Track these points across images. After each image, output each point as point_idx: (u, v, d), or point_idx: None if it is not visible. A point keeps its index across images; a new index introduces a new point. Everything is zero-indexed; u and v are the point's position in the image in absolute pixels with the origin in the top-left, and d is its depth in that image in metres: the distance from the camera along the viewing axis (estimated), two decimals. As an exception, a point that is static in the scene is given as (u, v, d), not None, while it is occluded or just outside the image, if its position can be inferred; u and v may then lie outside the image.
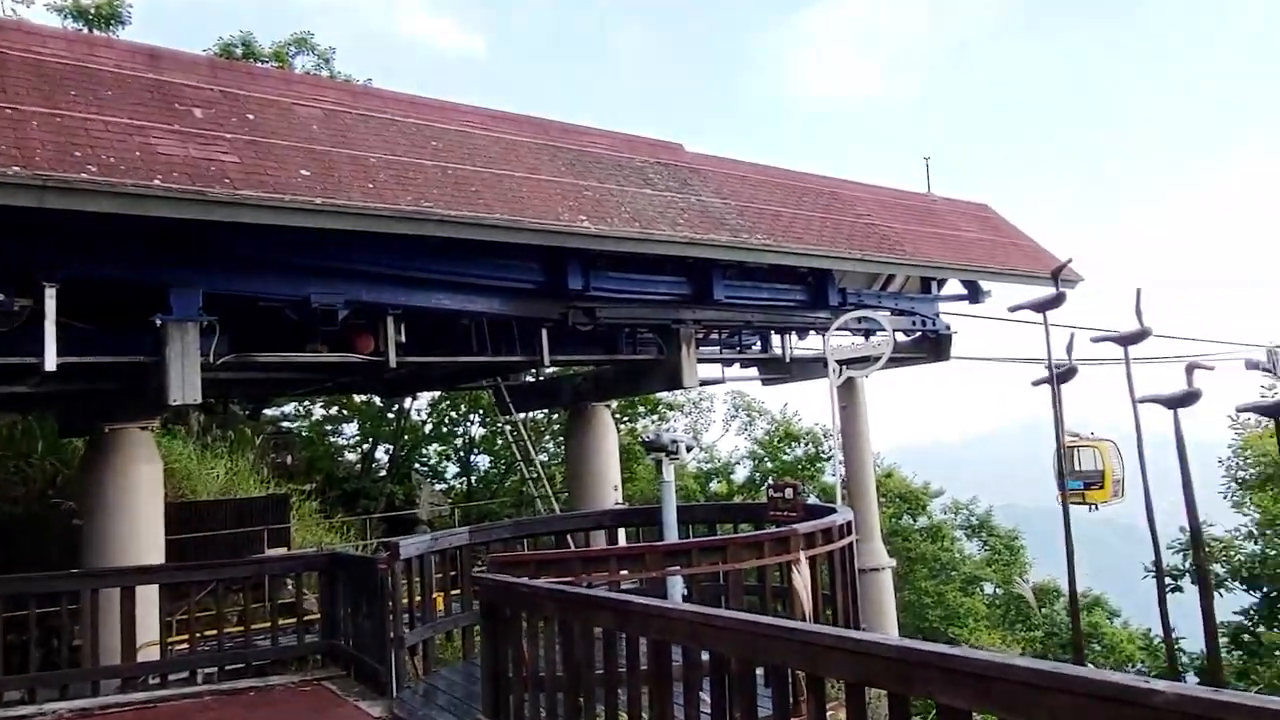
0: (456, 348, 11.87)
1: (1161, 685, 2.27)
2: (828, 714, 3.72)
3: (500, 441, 21.41)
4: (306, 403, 22.96)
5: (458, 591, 9.18)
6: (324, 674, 8.60)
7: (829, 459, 21.74)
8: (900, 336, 16.81)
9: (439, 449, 25.52)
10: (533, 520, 14.08)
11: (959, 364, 17.87)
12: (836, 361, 11.64)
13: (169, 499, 12.50)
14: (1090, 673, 2.52)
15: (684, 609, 4.55)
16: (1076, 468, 21.99)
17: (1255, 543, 12.34)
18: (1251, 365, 30.43)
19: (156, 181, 7.35)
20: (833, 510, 7.73)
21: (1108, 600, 25.81)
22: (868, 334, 15.92)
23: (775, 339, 15.99)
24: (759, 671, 3.85)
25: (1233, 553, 12.27)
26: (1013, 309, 7.95)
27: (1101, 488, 17.85)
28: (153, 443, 11.12)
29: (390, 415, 23.60)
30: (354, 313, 10.12)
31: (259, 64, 19.62)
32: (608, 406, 15.70)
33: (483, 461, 25.13)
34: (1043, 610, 23.41)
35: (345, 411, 23.51)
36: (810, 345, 16.12)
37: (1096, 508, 17.18)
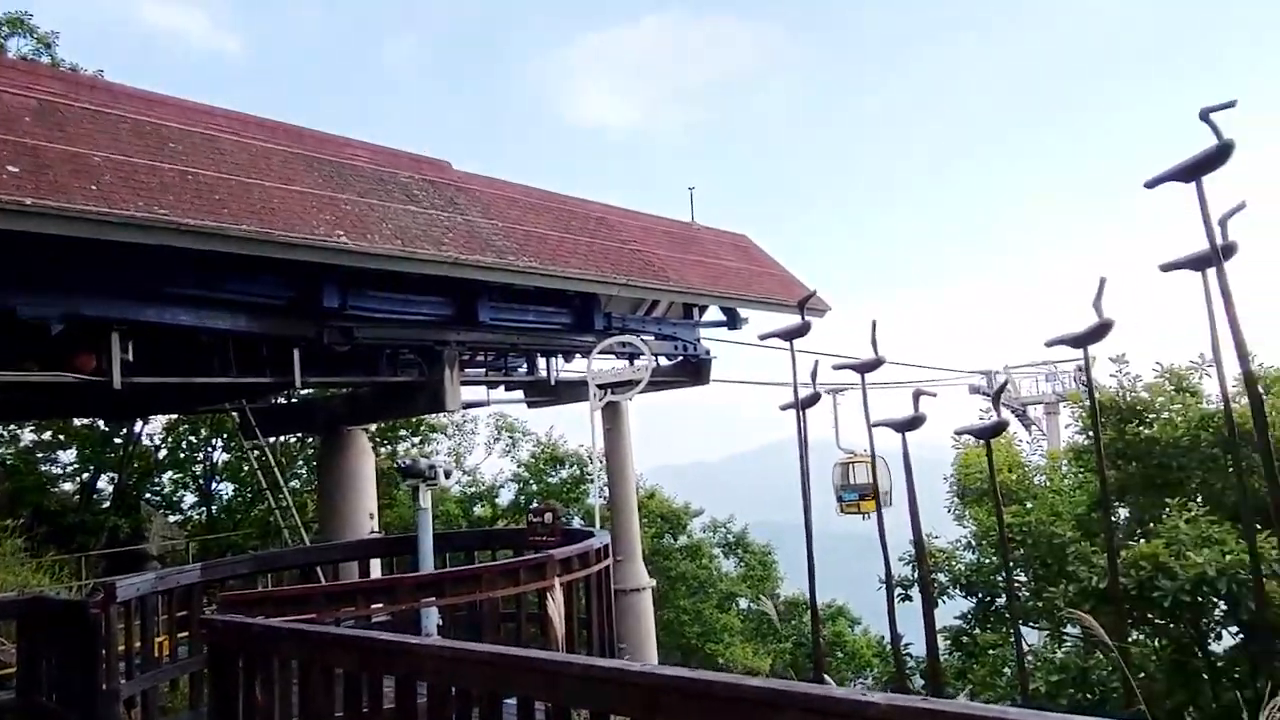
0: (196, 367, 10.95)
1: (877, 697, 2.42)
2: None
3: (246, 468, 19.94)
4: (13, 427, 20.34)
5: (186, 635, 8.38)
6: (22, 735, 7.57)
7: (594, 480, 21.97)
8: (662, 361, 17.32)
9: (175, 476, 23.35)
10: (277, 553, 13.16)
11: (720, 386, 18.68)
12: (598, 386, 11.76)
13: None
14: (816, 689, 2.65)
15: (429, 643, 4.35)
16: (852, 481, 23.87)
17: (973, 552, 13.47)
18: (974, 390, 33.96)
19: None
20: (591, 534, 7.76)
21: (850, 610, 27.68)
22: (632, 358, 16.28)
23: (541, 361, 15.99)
24: (509, 703, 3.75)
25: (954, 562, 13.33)
26: (762, 337, 8.32)
27: (871, 498, 19.37)
28: None
29: (117, 440, 21.35)
30: (75, 328, 9.08)
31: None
32: (366, 430, 15.05)
33: (226, 489, 23.30)
34: (792, 622, 24.75)
35: (62, 436, 21.01)
36: (576, 368, 16.25)
37: (867, 516, 18.53)
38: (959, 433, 8.83)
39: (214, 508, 23.22)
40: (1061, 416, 32.34)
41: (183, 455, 23.04)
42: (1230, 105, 5.09)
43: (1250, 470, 8.42)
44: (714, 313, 17.78)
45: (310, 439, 20.98)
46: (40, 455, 21.30)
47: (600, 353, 13.70)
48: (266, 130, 10.92)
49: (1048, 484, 13.82)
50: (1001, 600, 12.35)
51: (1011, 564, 12.11)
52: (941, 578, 12.87)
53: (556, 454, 25.36)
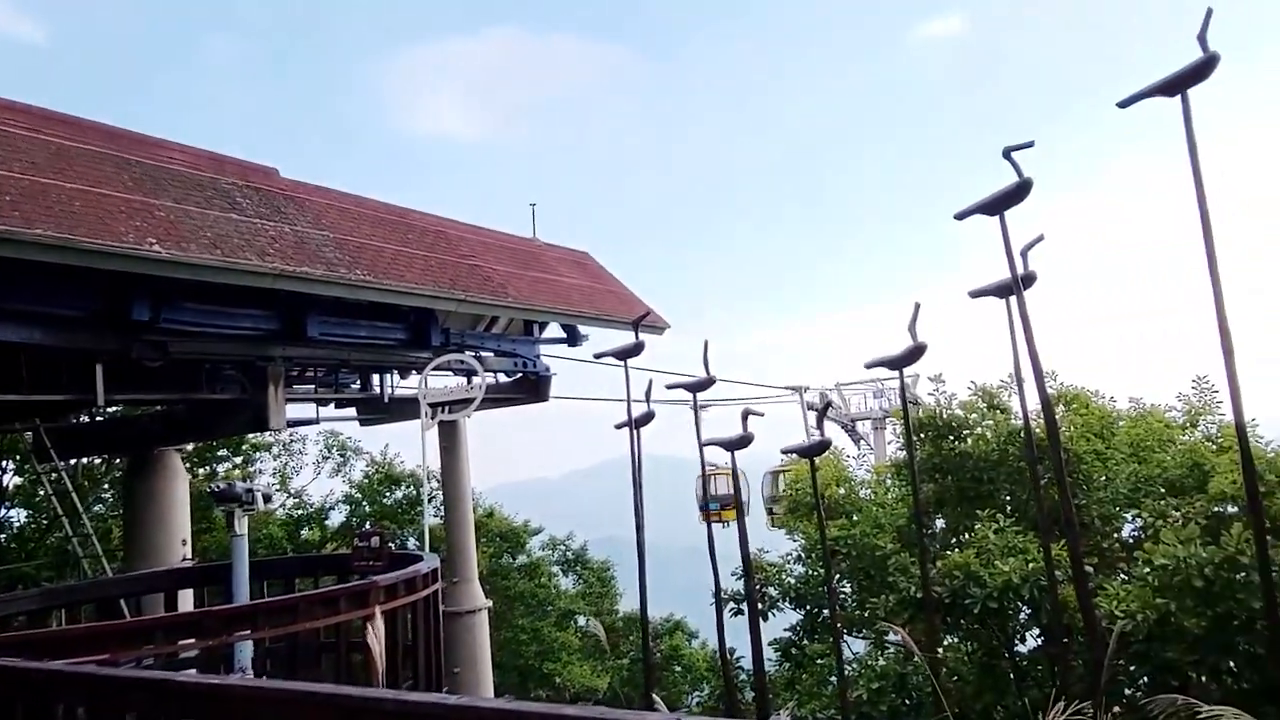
0: (-23, 383, 9.96)
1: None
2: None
3: (42, 492, 18.29)
4: None
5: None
6: None
7: (431, 500, 21.39)
8: (501, 377, 17.07)
9: (-49, 503, 21.09)
10: (72, 586, 12.09)
11: (560, 403, 18.60)
12: (433, 404, 11.46)
13: None
14: (630, 715, 2.66)
15: (236, 683, 4.07)
16: (714, 492, 24.65)
17: (802, 565, 13.90)
18: (808, 407, 35.27)
19: None
20: (420, 558, 7.50)
21: (688, 624, 28.05)
22: (470, 375, 15.97)
23: (375, 378, 15.44)
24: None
25: (784, 575, 13.71)
26: (597, 356, 8.33)
27: (730, 508, 19.98)
28: None
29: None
30: None
31: None
32: (181, 451, 14.09)
33: (18, 516, 21.25)
34: (630, 638, 24.83)
35: None
36: (412, 384, 15.77)
37: (728, 524, 19.09)
38: (785, 451, 9.12)
39: (3, 536, 21.15)
40: (887, 432, 34.08)
41: (-36, 480, 20.87)
42: (1029, 145, 5.46)
43: (1049, 483, 9.07)
44: (554, 329, 17.70)
45: (118, 460, 19.48)
46: None
47: (435, 370, 13.36)
48: (71, 128, 10.08)
49: (873, 497, 14.46)
50: (829, 611, 12.81)
51: (837, 576, 12.59)
52: (772, 591, 13.21)
53: (391, 474, 24.54)
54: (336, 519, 23.91)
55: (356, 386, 15.68)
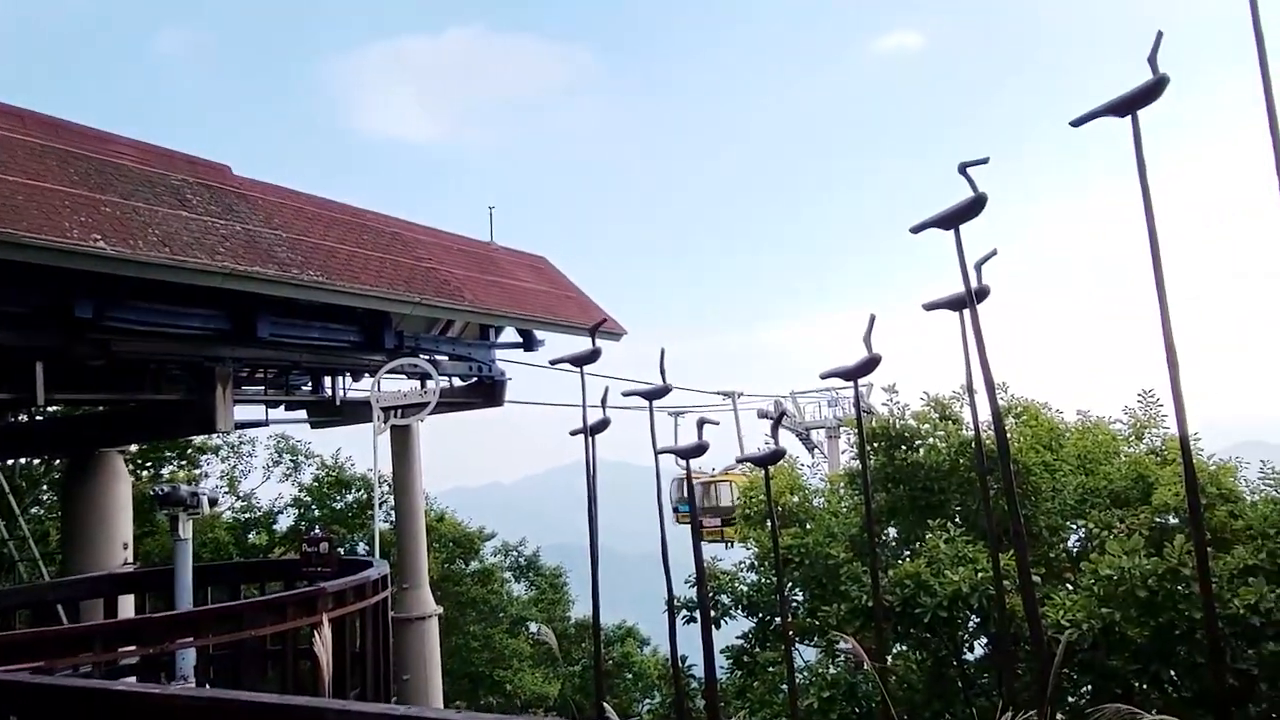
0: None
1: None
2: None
3: (-24, 494, 17.77)
4: None
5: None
6: None
7: (382, 504, 21.12)
8: (456, 381, 16.93)
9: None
10: (6, 590, 11.72)
11: (515, 407, 18.50)
12: (385, 408, 11.31)
13: None
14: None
15: (175, 693, 3.95)
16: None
17: (755, 573, 13.92)
18: (762, 415, 35.39)
19: None
20: (370, 564, 7.39)
21: (640, 630, 28.02)
22: (424, 379, 15.81)
23: (327, 380, 15.22)
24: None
25: (737, 583, 13.73)
26: (553, 362, 8.29)
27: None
28: None
29: None
30: None
31: None
32: (123, 452, 13.75)
33: (-50, 517, 20.63)
34: (582, 644, 24.74)
35: None
36: (364, 387, 15.58)
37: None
38: (740, 460, 9.15)
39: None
40: (841, 441, 34.34)
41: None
42: (984, 161, 5.53)
43: (999, 493, 9.20)
44: (510, 334, 17.61)
45: (58, 461, 18.98)
46: None
47: (389, 373, 13.20)
48: (13, 119, 9.80)
49: (826, 506, 14.55)
50: (780, 620, 12.84)
51: (790, 584, 12.64)
52: (725, 599, 13.22)
53: (342, 477, 24.20)
54: (285, 523, 23.51)
55: (308, 388, 15.44)
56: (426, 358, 14.89)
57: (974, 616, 10.49)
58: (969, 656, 11.43)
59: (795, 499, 14.58)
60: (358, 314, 13.62)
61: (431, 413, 13.42)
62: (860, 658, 5.98)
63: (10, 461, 15.26)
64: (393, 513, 16.28)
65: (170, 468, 21.72)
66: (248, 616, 5.73)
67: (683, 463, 7.48)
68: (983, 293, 5.71)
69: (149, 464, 21.50)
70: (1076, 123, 4.72)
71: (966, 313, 5.68)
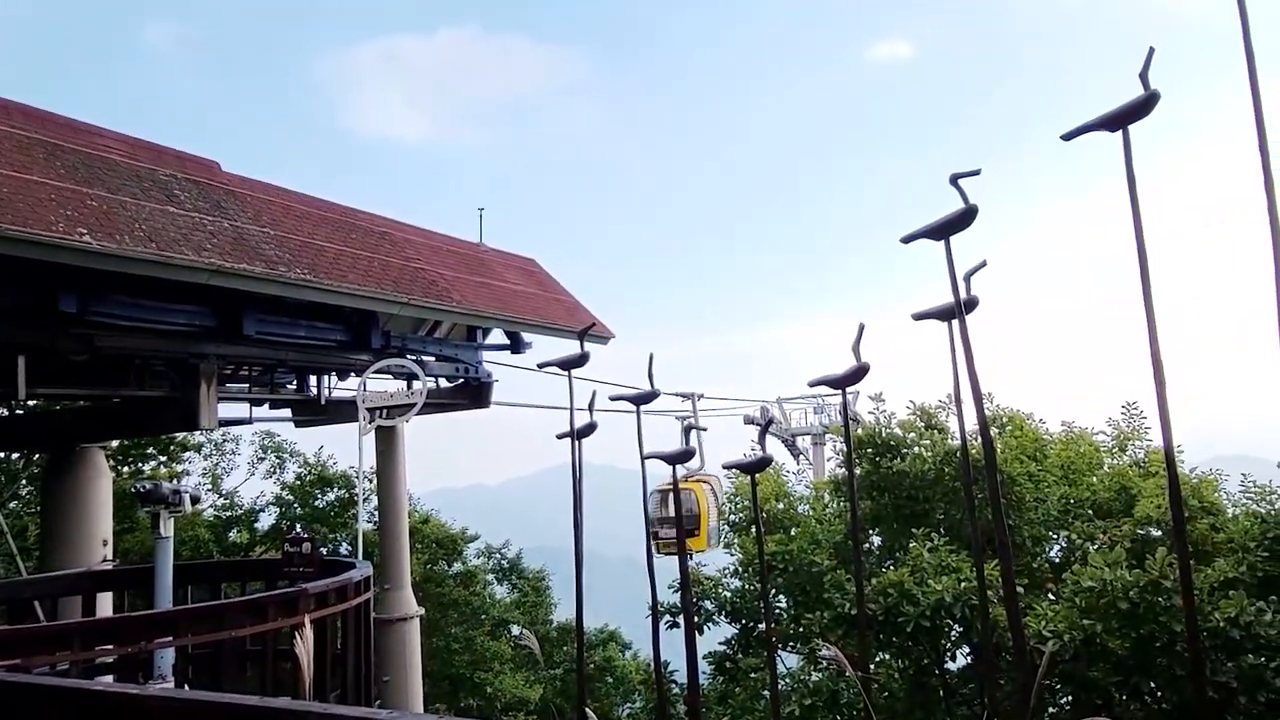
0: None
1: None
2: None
3: (-46, 487, 17.58)
4: None
5: None
6: None
7: (366, 500, 21.01)
8: (442, 382, 16.87)
9: None
10: (-17, 586, 11.62)
11: (501, 409, 18.46)
12: (369, 408, 11.25)
13: None
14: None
15: (154, 693, 3.91)
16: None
17: (739, 579, 13.93)
18: (748, 420, 35.37)
19: None
20: (353, 565, 7.34)
21: (621, 635, 27.95)
22: (410, 379, 15.75)
23: (312, 379, 15.14)
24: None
25: (720, 589, 13.74)
26: (541, 365, 8.26)
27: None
28: None
29: None
30: None
31: None
32: (105, 448, 13.62)
33: (-73, 511, 20.38)
34: (564, 648, 24.65)
35: None
36: (350, 387, 15.51)
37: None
38: (727, 466, 9.13)
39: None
40: (826, 449, 34.40)
41: None
42: (976, 173, 5.54)
43: (983, 503, 9.22)
44: (498, 335, 17.57)
45: (38, 456, 18.81)
46: None
47: (375, 373, 13.14)
48: (-1, 110, 9.72)
49: (811, 513, 14.57)
50: (764, 626, 12.85)
51: (774, 591, 12.64)
52: (709, 605, 13.22)
53: (325, 476, 24.04)
54: (266, 521, 23.33)
55: (293, 387, 15.36)
56: (413, 358, 14.83)
57: (956, 626, 10.52)
58: (951, 666, 11.46)
59: (780, 505, 14.61)
60: (345, 313, 13.55)
61: (417, 414, 13.36)
62: (843, 665, 5.97)
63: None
64: (376, 513, 16.19)
65: (152, 464, 21.53)
66: (228, 616, 5.68)
67: (682, 467, 7.44)
68: (972, 303, 5.72)
69: (130, 460, 21.31)
70: (1067, 137, 4.73)
71: (955, 323, 5.69)
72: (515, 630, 25.10)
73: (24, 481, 20.03)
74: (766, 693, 12.76)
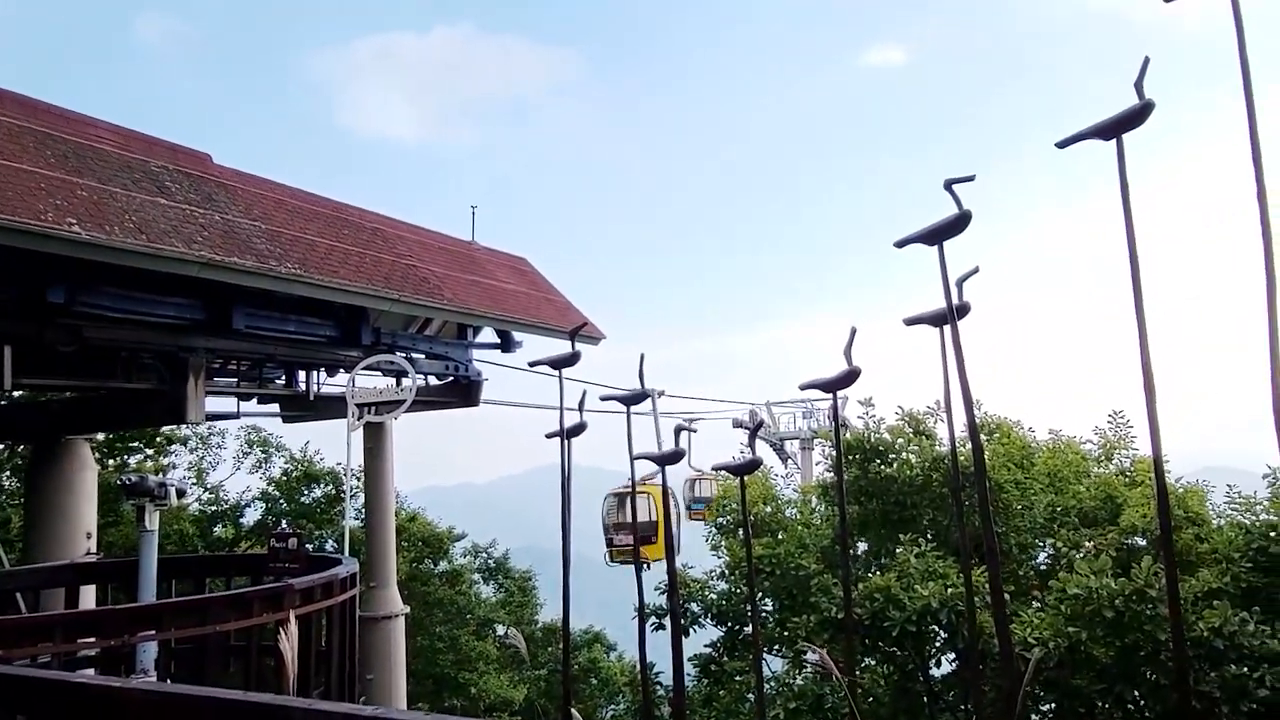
0: None
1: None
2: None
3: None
4: None
5: None
6: None
7: (353, 498, 20.93)
8: (432, 380, 16.82)
9: None
10: (-35, 577, 11.51)
11: (490, 408, 18.44)
12: (360, 404, 11.20)
13: None
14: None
15: (136, 686, 3.87)
16: (698, 494, 25.02)
17: (725, 582, 13.92)
18: (737, 424, 35.37)
19: None
20: (339, 561, 7.30)
21: (606, 636, 27.94)
22: (400, 376, 15.70)
23: (301, 374, 15.08)
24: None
25: (707, 592, 13.72)
26: (532, 364, 8.23)
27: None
28: None
29: None
30: None
31: None
32: (90, 440, 13.54)
33: (-91, 501, 20.22)
34: (549, 649, 24.63)
35: None
36: (339, 383, 15.45)
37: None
38: (716, 468, 9.12)
39: (-107, 521, 20.10)
40: (815, 452, 34.47)
41: None
42: (970, 179, 5.54)
43: (971, 509, 9.24)
44: (488, 334, 17.53)
45: (22, 447, 18.66)
46: None
47: (364, 369, 13.10)
48: (-15, 98, 9.65)
49: (798, 517, 14.57)
50: (749, 629, 12.84)
51: (760, 594, 12.63)
52: (695, 607, 13.21)
53: (312, 472, 23.94)
54: (252, 517, 23.22)
55: (281, 382, 15.29)
56: (403, 355, 14.79)
57: (942, 632, 10.54)
58: (936, 672, 11.48)
59: (768, 509, 14.61)
60: (335, 308, 13.50)
61: (406, 411, 13.32)
62: (829, 669, 5.96)
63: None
64: (363, 510, 16.14)
65: (138, 457, 21.41)
66: (212, 611, 5.64)
67: (693, 468, 7.43)
68: (963, 309, 5.72)
69: (116, 453, 21.19)
70: (1062, 145, 4.74)
71: (947, 329, 5.70)
72: (500, 630, 25.05)
73: (8, 473, 19.88)
74: (751, 696, 12.75)
